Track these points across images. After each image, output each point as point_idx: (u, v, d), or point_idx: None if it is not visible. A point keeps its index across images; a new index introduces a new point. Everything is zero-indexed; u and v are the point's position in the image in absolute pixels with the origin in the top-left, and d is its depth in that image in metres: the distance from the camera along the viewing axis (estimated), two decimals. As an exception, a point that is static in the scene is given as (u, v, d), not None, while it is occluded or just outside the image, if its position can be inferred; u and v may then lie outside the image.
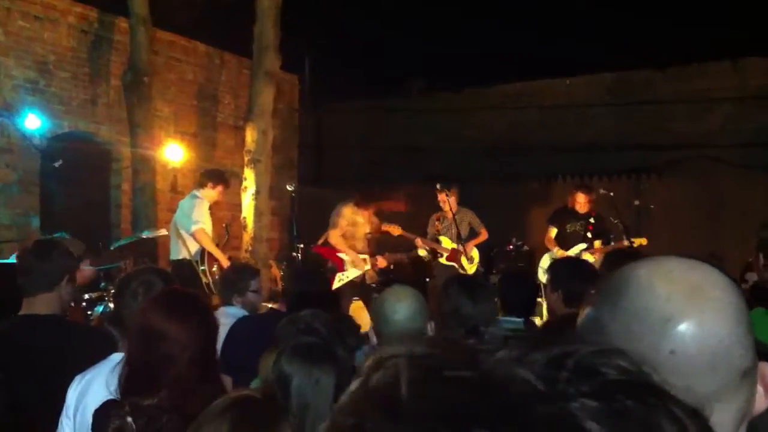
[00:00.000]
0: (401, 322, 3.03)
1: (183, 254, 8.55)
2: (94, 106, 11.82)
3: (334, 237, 8.79)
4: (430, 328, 3.19)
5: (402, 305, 3.06)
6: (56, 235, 8.90)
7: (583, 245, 9.48)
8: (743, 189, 11.82)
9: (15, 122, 10.14)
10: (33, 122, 10.05)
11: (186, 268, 8.41)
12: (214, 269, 8.44)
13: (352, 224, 8.84)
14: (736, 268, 8.53)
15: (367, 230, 8.94)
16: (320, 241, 9.07)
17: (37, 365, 3.36)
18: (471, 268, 9.70)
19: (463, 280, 4.09)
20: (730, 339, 1.03)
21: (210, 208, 8.91)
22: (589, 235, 9.55)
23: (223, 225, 10.15)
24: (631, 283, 1.09)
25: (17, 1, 10.72)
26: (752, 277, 6.25)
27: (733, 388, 1.03)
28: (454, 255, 9.40)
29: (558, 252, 9.54)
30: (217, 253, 8.49)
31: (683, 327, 1.03)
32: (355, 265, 8.75)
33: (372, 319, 3.16)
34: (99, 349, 3.57)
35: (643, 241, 9.40)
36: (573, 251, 9.40)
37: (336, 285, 8.39)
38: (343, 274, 8.70)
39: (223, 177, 9.04)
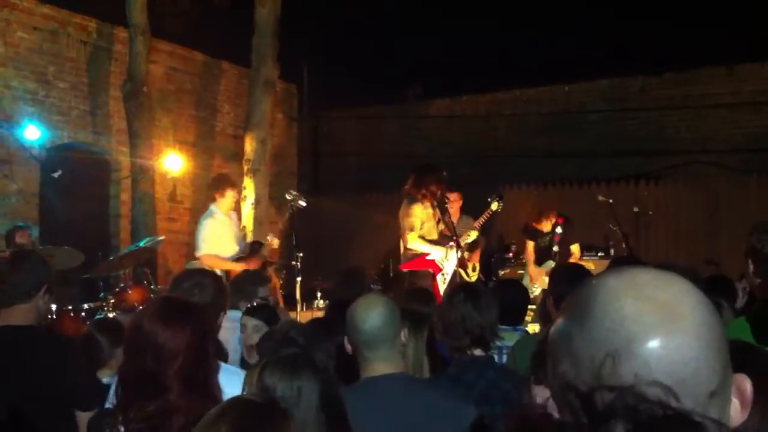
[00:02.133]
0: (369, 330, 3.03)
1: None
2: (93, 117, 11.86)
3: (412, 241, 8.19)
4: (404, 336, 3.20)
5: (372, 314, 3.05)
6: (18, 225, 8.98)
7: (551, 263, 9.24)
8: (739, 193, 11.85)
9: (14, 133, 10.18)
10: (32, 133, 10.09)
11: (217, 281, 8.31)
12: None
13: (427, 219, 8.34)
14: (733, 273, 8.55)
15: (439, 216, 8.50)
16: (402, 253, 8.48)
17: (12, 377, 3.32)
18: (474, 276, 9.68)
19: (468, 288, 4.09)
20: (698, 362, 1.00)
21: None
22: (555, 248, 9.43)
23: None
24: (599, 297, 1.05)
25: (16, 12, 10.77)
26: (752, 282, 6.27)
27: (701, 409, 0.99)
28: (460, 261, 9.23)
29: (530, 269, 9.54)
30: (229, 265, 8.30)
31: (648, 349, 0.99)
32: (448, 258, 8.31)
33: (346, 327, 3.18)
34: (76, 360, 3.58)
35: (473, 234, 9.01)
36: (543, 269, 9.32)
37: (441, 288, 8.03)
38: (442, 274, 8.31)
39: (223, 181, 8.92)
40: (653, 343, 0.99)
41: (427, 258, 8.31)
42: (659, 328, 1.00)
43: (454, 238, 8.57)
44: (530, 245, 9.73)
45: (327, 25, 16.52)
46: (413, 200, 8.29)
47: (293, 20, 12.62)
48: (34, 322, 3.58)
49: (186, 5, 15.12)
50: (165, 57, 13.13)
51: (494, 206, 9.16)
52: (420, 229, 8.26)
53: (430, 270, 8.32)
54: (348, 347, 3.15)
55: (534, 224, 9.65)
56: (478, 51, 17.13)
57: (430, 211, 8.41)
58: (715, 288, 4.24)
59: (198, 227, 8.59)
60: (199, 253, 8.37)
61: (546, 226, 9.51)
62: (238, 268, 8.28)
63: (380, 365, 3.03)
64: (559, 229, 9.38)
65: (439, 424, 2.89)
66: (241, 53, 12.91)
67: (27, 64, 10.91)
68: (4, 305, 3.54)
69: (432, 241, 8.36)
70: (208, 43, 14.02)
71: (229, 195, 8.67)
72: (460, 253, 8.47)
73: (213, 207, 8.61)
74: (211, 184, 9.06)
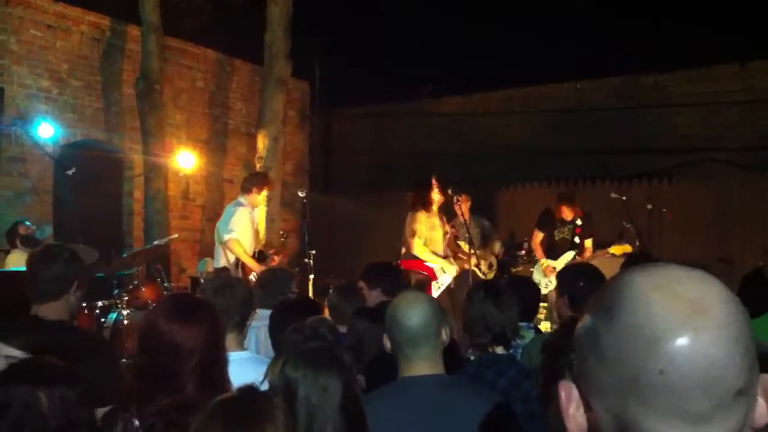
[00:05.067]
0: (414, 327, 2.98)
1: (223, 262, 8.45)
2: (106, 115, 11.89)
3: (417, 248, 8.34)
4: (445, 333, 3.16)
5: (415, 311, 3.01)
6: (21, 221, 9.00)
7: (572, 253, 9.26)
8: (752, 191, 11.79)
9: (28, 131, 10.22)
10: (46, 131, 10.14)
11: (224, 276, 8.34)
12: (251, 277, 8.33)
13: (431, 228, 8.44)
14: (746, 271, 8.52)
15: (447, 230, 8.63)
16: (402, 252, 8.59)
17: None
18: (490, 274, 9.65)
19: (488, 287, 4.05)
20: (725, 360, 0.99)
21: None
22: (576, 239, 9.40)
23: (281, 232, 10.09)
24: (627, 294, 1.05)
25: (30, 10, 10.81)
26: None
27: (726, 408, 1.00)
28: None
29: (544, 263, 9.45)
30: (251, 262, 8.30)
31: (675, 346, 0.99)
32: (444, 271, 8.42)
33: (386, 324, 3.15)
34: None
35: (627, 248, 9.23)
36: (562, 260, 9.23)
37: (435, 294, 8.06)
38: (438, 282, 8.35)
39: (264, 180, 8.93)
40: (681, 341, 0.99)
41: (426, 264, 8.37)
42: (687, 325, 1.00)
43: (474, 251, 8.67)
44: (538, 237, 9.64)
45: (339, 22, 16.56)
46: (417, 210, 8.44)
47: (305, 18, 12.64)
48: (65, 318, 3.58)
49: (199, 3, 15.16)
50: (178, 55, 13.15)
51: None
52: (424, 237, 8.36)
53: (426, 276, 8.36)
54: (387, 345, 3.12)
55: (555, 211, 9.56)
56: (489, 49, 17.12)
57: (436, 220, 8.50)
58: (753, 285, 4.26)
59: (229, 212, 8.57)
60: (228, 236, 8.29)
61: (568, 215, 9.44)
62: (254, 266, 8.31)
63: (421, 365, 2.98)
64: (579, 221, 9.34)
65: (477, 428, 2.85)
66: (254, 51, 12.93)
67: (40, 62, 10.94)
68: (36, 301, 3.54)
69: (435, 252, 8.44)
70: (221, 40, 14.06)
71: (264, 194, 8.72)
72: (457, 268, 8.55)
73: (243, 199, 8.62)
74: (251, 178, 8.99)
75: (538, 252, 9.62)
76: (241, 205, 8.57)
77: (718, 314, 1.01)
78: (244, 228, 8.44)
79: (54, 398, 2.22)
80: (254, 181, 8.80)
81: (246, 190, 8.68)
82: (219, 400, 2.03)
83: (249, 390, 2.08)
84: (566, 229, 9.43)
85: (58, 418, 2.21)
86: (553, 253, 9.43)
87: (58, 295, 3.54)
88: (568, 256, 9.24)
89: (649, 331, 1.00)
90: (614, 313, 1.04)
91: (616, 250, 9.20)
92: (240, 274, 8.28)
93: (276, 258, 9.02)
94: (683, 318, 1.00)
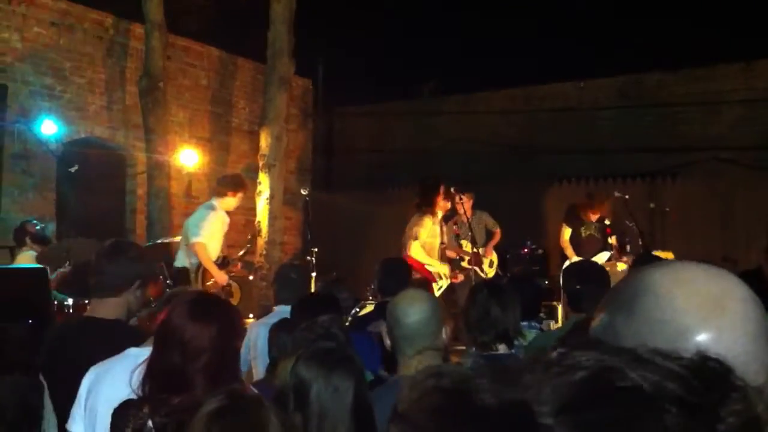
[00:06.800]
0: (413, 325, 2.98)
1: (185, 262, 8.34)
2: (109, 112, 11.91)
3: (414, 249, 8.24)
4: (445, 332, 3.15)
5: (415, 309, 3.01)
6: (29, 220, 8.98)
7: (607, 254, 9.24)
8: (756, 191, 11.77)
9: (31, 128, 10.23)
10: (49, 128, 10.14)
11: (183, 277, 8.22)
12: (209, 283, 8.20)
13: (432, 235, 8.38)
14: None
15: (445, 240, 8.62)
16: (407, 253, 8.43)
17: (82, 369, 3.17)
18: (491, 272, 9.66)
19: (492, 285, 4.06)
20: (747, 356, 0.99)
21: (230, 218, 8.68)
22: (610, 240, 9.36)
23: (249, 236, 10.14)
24: (649, 291, 1.05)
25: (33, 7, 10.82)
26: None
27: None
28: (475, 258, 9.23)
29: (575, 259, 9.44)
30: (213, 269, 8.19)
31: (699, 342, 0.99)
32: (440, 276, 8.39)
33: (386, 321, 3.15)
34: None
35: (670, 254, 9.20)
36: (597, 260, 9.18)
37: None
38: (437, 285, 8.28)
39: (240, 183, 8.74)
40: (704, 336, 1.00)
41: (426, 267, 8.35)
42: (710, 321, 1.00)
43: (479, 250, 8.70)
44: (566, 233, 9.67)
45: (342, 21, 16.51)
46: (424, 213, 8.38)
47: (308, 16, 12.62)
48: (122, 317, 3.51)
49: (202, 1, 15.15)
50: (181, 53, 13.16)
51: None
52: (423, 241, 8.32)
53: (425, 277, 8.34)
54: (387, 342, 3.11)
55: (583, 211, 9.60)
56: (491, 47, 17.08)
57: (437, 229, 8.49)
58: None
59: (201, 215, 8.41)
60: (195, 239, 8.15)
61: (594, 217, 9.47)
62: (215, 273, 8.20)
63: (419, 363, 2.94)
64: (607, 221, 9.36)
65: None
66: (257, 49, 12.92)
67: (44, 59, 10.96)
68: (95, 296, 3.51)
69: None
70: (224, 39, 14.06)
71: (239, 197, 8.56)
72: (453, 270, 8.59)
73: (216, 202, 8.46)
74: (227, 181, 8.82)
75: (568, 249, 9.63)
76: (213, 208, 8.39)
77: (739, 311, 1.02)
78: (214, 233, 8.30)
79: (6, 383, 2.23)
80: (230, 184, 8.61)
81: (221, 194, 8.50)
82: (208, 408, 2.00)
83: (239, 395, 2.07)
84: (593, 226, 9.46)
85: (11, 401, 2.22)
86: (578, 249, 9.46)
87: (116, 292, 3.47)
88: (603, 257, 9.18)
89: (673, 326, 1.01)
90: (635, 308, 1.05)
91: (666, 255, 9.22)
92: (200, 278, 8.17)
93: (238, 265, 9.01)
94: (706, 314, 1.01)
